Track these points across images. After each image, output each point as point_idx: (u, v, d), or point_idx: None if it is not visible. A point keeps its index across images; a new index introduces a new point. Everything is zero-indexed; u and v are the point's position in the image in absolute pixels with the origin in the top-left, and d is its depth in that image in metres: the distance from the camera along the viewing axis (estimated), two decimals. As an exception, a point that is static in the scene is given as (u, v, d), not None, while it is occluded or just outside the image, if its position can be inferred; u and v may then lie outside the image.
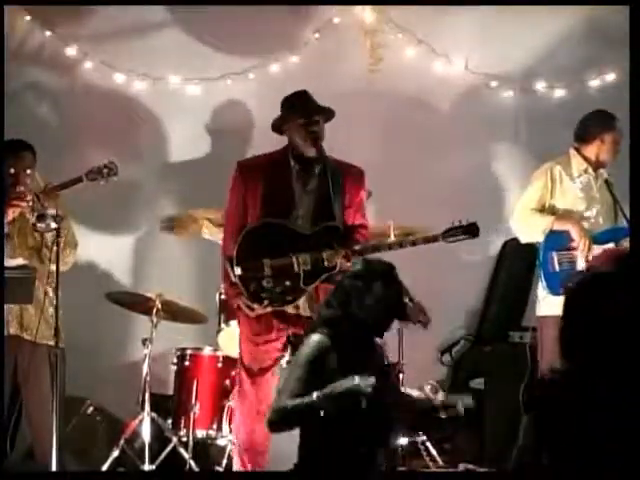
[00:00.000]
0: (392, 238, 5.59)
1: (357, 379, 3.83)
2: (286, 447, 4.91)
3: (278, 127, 5.12)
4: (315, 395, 3.85)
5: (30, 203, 5.09)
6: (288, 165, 5.05)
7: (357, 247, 4.92)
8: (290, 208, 4.98)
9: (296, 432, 4.07)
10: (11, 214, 5.11)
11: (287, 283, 4.86)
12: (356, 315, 4.05)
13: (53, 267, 5.13)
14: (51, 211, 4.95)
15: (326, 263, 4.87)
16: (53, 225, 4.91)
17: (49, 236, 5.01)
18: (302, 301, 4.99)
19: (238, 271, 4.88)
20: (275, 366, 5.05)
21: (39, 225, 4.94)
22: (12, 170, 5.20)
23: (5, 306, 5.05)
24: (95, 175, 5.19)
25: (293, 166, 5.05)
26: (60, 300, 5.06)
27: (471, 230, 4.97)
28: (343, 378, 3.86)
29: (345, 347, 4.01)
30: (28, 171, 5.24)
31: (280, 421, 3.97)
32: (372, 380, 3.83)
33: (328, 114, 5.10)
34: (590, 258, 5.48)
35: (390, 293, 4.09)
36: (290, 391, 3.94)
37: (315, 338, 4.03)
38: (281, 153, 5.11)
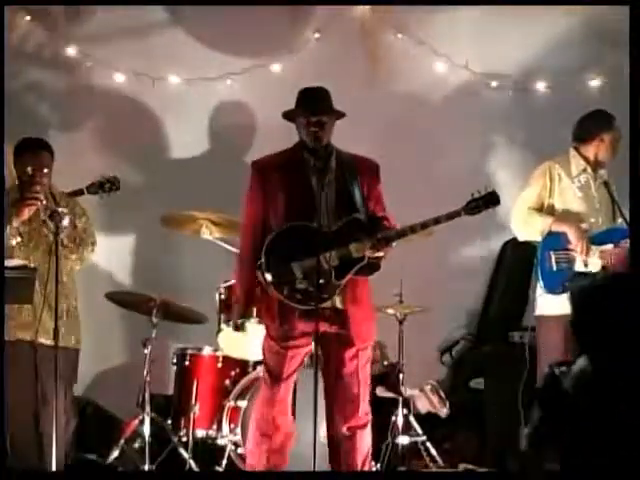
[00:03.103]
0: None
1: None
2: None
3: (288, 117, 5.03)
4: None
5: (45, 202, 5.02)
6: (303, 161, 4.94)
7: (381, 235, 4.84)
8: (314, 205, 4.84)
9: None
10: (27, 213, 5.04)
11: (320, 281, 4.74)
12: None
13: (74, 266, 5.22)
14: (62, 209, 4.93)
15: (354, 255, 4.79)
16: (65, 223, 4.90)
17: (63, 236, 4.97)
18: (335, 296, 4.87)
19: (269, 277, 4.81)
20: (297, 371, 4.92)
21: (50, 223, 4.93)
22: (29, 169, 5.13)
23: (16, 309, 5.01)
24: (96, 189, 5.12)
25: (307, 159, 4.93)
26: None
27: (492, 199, 4.85)
28: None
29: None
30: (45, 170, 5.16)
31: None
32: None
33: (336, 115, 4.98)
34: (588, 259, 5.50)
35: None
36: None
37: None
38: (295, 150, 5.01)
